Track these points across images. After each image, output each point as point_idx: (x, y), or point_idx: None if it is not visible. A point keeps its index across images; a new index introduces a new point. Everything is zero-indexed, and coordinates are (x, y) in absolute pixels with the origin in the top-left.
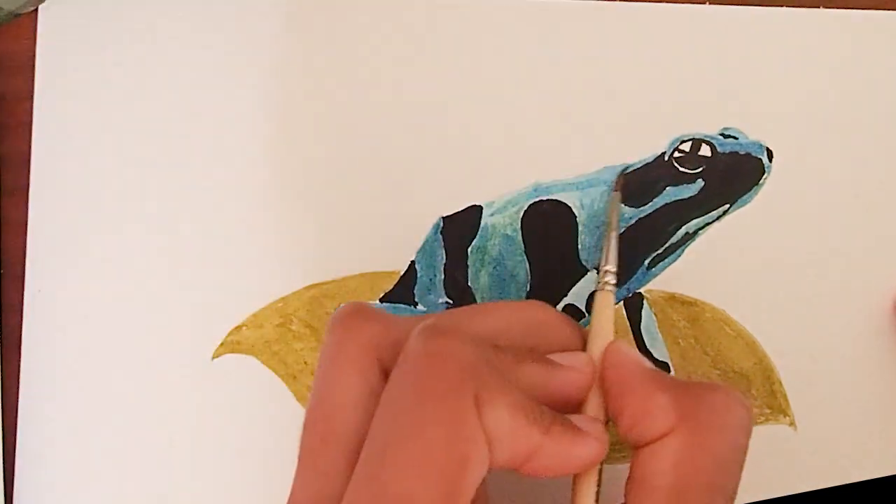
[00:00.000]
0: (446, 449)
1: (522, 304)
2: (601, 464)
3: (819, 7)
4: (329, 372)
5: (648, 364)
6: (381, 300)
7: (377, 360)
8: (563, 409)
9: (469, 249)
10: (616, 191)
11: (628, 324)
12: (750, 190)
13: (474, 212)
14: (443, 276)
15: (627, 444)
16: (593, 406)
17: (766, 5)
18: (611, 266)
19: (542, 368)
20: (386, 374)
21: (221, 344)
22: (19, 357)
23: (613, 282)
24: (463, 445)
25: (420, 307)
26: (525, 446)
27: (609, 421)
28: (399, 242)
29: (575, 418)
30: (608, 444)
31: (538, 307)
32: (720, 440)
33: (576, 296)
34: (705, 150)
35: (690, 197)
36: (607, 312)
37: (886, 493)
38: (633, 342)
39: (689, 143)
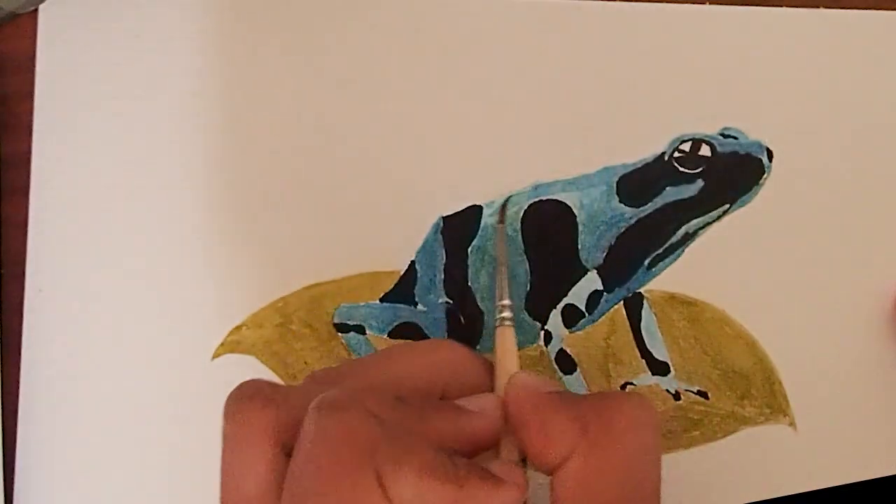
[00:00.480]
0: None
1: (431, 346)
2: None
3: (819, 7)
4: (233, 464)
5: (549, 388)
6: (381, 300)
7: (280, 444)
8: (479, 453)
9: (469, 249)
10: (501, 223)
11: (628, 324)
12: (750, 190)
13: (474, 212)
14: (443, 276)
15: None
16: (508, 447)
17: (766, 5)
18: (506, 300)
19: (449, 417)
20: (290, 455)
21: (221, 344)
22: (19, 357)
23: (510, 316)
24: None
25: (420, 307)
26: None
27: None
28: (399, 242)
29: (493, 465)
30: (527, 486)
31: (447, 348)
32: (622, 446)
33: (576, 296)
34: (705, 150)
35: (690, 197)
36: (509, 347)
37: (886, 494)
38: (634, 342)
39: (689, 142)
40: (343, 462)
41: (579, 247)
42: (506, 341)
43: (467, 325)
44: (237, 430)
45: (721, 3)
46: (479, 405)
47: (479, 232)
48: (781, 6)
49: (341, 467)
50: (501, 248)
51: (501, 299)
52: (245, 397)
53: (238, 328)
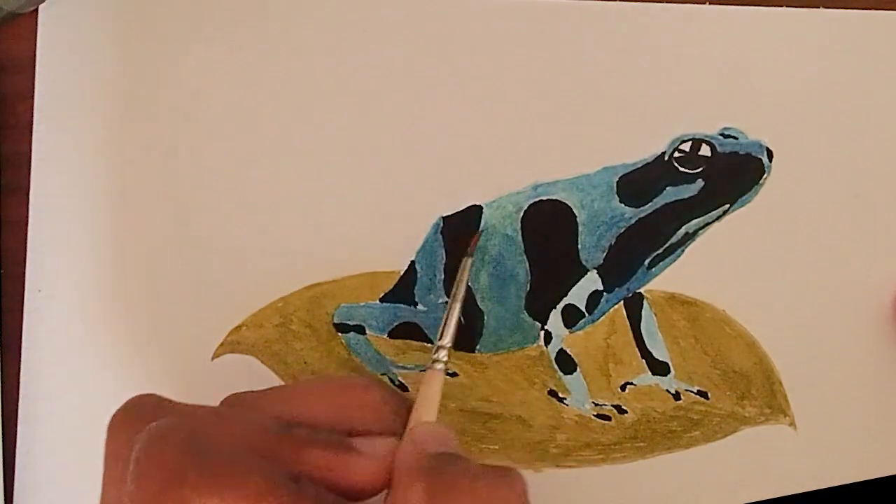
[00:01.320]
0: None
1: (345, 384)
2: None
3: (818, 7)
4: (105, 480)
5: (440, 448)
6: (381, 300)
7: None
8: (361, 498)
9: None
10: (470, 256)
11: (629, 324)
12: (750, 190)
13: (474, 212)
14: (443, 276)
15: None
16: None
17: (766, 5)
18: (446, 341)
19: (330, 455)
20: None
21: (221, 344)
22: (19, 357)
23: (444, 359)
24: None
25: (420, 307)
26: None
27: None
28: (399, 242)
29: None
30: None
31: (361, 388)
32: None
33: (576, 296)
34: (705, 150)
35: (690, 197)
36: (431, 395)
37: (886, 494)
38: (634, 342)
39: (689, 142)
40: (152, 485)
41: (579, 247)
42: (430, 387)
43: (467, 324)
44: (110, 446)
45: (721, 3)
46: (369, 448)
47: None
48: (781, 6)
49: (151, 490)
50: (462, 282)
51: (441, 338)
52: (122, 415)
53: (238, 328)
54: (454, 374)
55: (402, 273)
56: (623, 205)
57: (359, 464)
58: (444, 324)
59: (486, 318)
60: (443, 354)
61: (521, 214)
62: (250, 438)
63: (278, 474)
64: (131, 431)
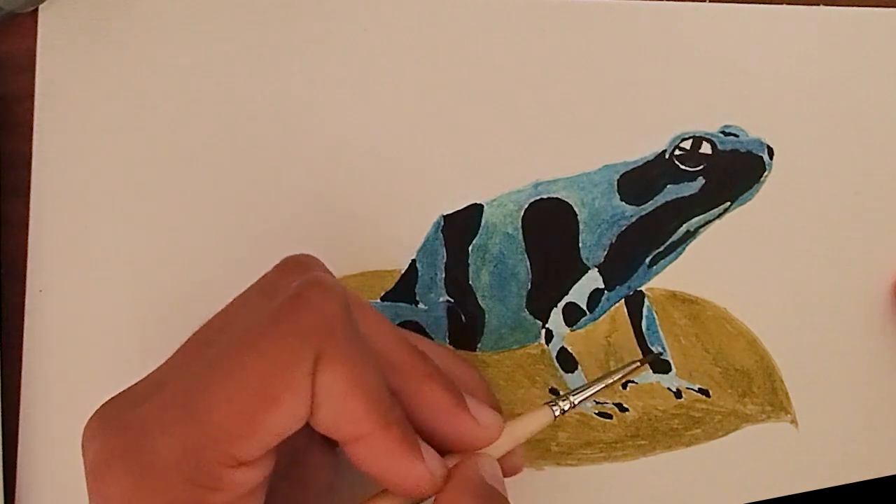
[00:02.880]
0: (259, 386)
1: (459, 356)
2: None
3: (819, 4)
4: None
5: (493, 482)
6: (382, 299)
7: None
8: (438, 449)
9: (470, 248)
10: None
11: (630, 322)
12: (751, 187)
13: (475, 210)
14: (444, 275)
15: None
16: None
17: (766, 3)
18: (579, 399)
19: (448, 399)
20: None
21: None
22: (20, 357)
23: (566, 409)
24: (276, 389)
25: (421, 305)
26: (352, 427)
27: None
28: (400, 241)
29: (427, 448)
30: (433, 488)
31: (471, 365)
32: None
33: (577, 294)
34: (706, 148)
35: (691, 195)
36: (529, 427)
37: (886, 493)
38: (635, 340)
39: (690, 140)
40: (296, 326)
41: (580, 245)
42: (532, 422)
43: (468, 323)
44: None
45: (721, 1)
46: (481, 414)
47: (480, 230)
48: (782, 3)
49: (293, 328)
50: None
51: (578, 394)
52: (300, 258)
53: None
54: None
55: (403, 272)
56: (624, 203)
57: (466, 423)
58: (583, 388)
59: (487, 316)
60: (566, 406)
61: (522, 213)
62: (389, 342)
63: (383, 384)
64: (291, 273)
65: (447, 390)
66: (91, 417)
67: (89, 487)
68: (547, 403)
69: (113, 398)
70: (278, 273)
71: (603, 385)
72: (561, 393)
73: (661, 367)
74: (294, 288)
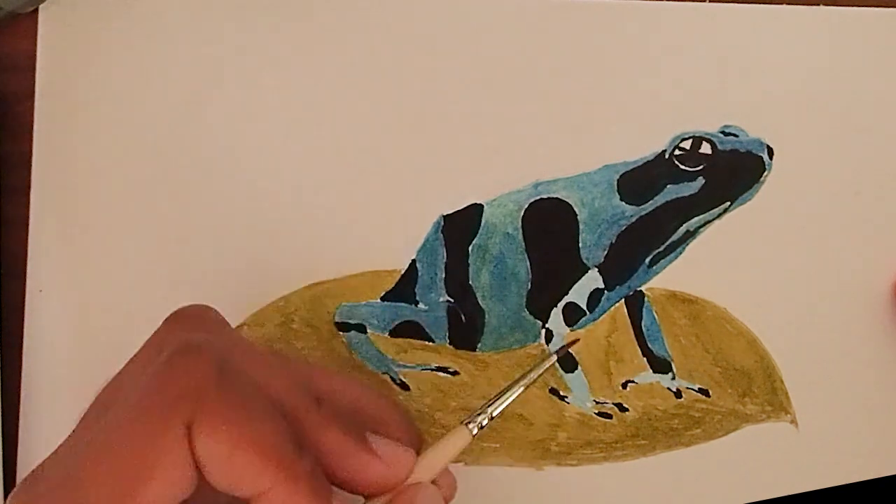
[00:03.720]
0: (132, 460)
1: (370, 388)
2: None
3: (819, 4)
4: (131, 359)
5: None
6: (383, 298)
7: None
8: (352, 492)
9: (470, 248)
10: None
11: (630, 322)
12: (751, 187)
13: (475, 210)
14: (444, 275)
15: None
16: None
17: (766, 3)
18: (494, 412)
19: (350, 443)
20: None
21: None
22: (20, 357)
23: (483, 425)
24: (149, 461)
25: (421, 305)
26: (250, 483)
27: None
28: (400, 241)
29: (341, 497)
30: None
31: (386, 398)
32: None
33: (577, 294)
34: (706, 148)
35: (691, 195)
36: (451, 449)
37: (886, 493)
38: (635, 340)
39: (690, 140)
40: (164, 396)
41: (580, 245)
42: (453, 444)
43: (468, 323)
44: (156, 334)
45: (721, 1)
46: (388, 453)
47: (480, 230)
48: (782, 3)
49: (161, 400)
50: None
51: (491, 407)
52: (181, 314)
53: (240, 327)
54: (455, 373)
55: (403, 272)
56: (624, 203)
57: (371, 464)
58: (498, 397)
59: (487, 316)
60: (483, 420)
61: (522, 213)
62: (281, 392)
63: (288, 435)
64: (178, 330)
65: (345, 433)
66: (12, 494)
67: None
68: (463, 422)
69: (29, 474)
70: (167, 328)
71: (518, 391)
72: (479, 408)
73: (661, 366)
74: (165, 355)
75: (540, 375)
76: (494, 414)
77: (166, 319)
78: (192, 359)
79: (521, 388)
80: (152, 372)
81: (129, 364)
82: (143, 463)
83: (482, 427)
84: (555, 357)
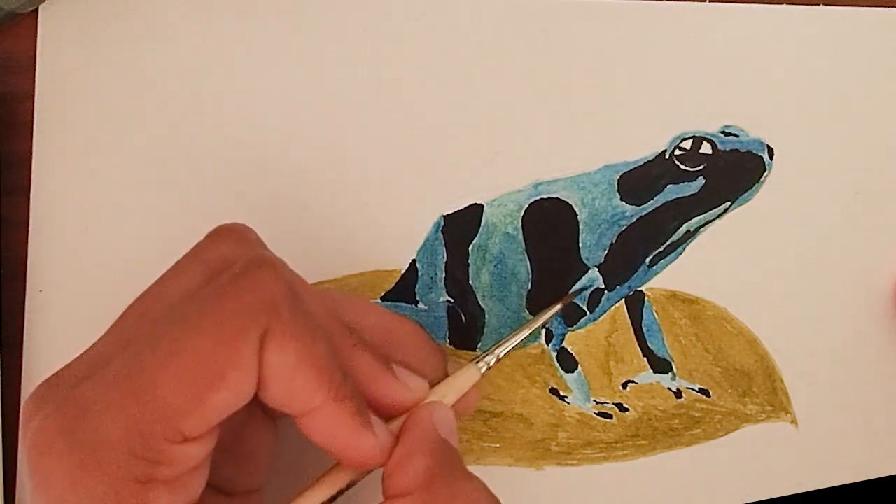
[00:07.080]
0: (205, 365)
1: (400, 317)
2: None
3: (819, 4)
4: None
5: (446, 435)
6: (383, 299)
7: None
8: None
9: (470, 248)
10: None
11: (630, 322)
12: (751, 187)
13: (475, 210)
14: (444, 275)
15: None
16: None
17: (767, 3)
18: (501, 352)
19: (378, 367)
20: None
21: None
22: (20, 357)
23: (491, 364)
24: (222, 367)
25: (421, 305)
26: (304, 400)
27: None
28: (400, 241)
29: (376, 420)
30: (384, 457)
31: (412, 324)
32: None
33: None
34: (706, 148)
35: (691, 195)
36: (461, 383)
37: (886, 493)
38: (635, 340)
39: (690, 140)
40: (240, 305)
41: (580, 245)
42: (464, 379)
43: (469, 323)
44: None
45: (721, 1)
46: (407, 380)
47: (480, 230)
48: (782, 3)
49: (237, 308)
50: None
51: (501, 347)
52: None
53: None
54: None
55: (403, 272)
56: (624, 203)
57: (394, 387)
58: (505, 341)
59: (487, 316)
60: (491, 360)
61: (522, 213)
62: (322, 317)
63: (335, 357)
64: (231, 243)
65: (375, 359)
66: (29, 397)
67: (30, 466)
68: (473, 360)
69: (51, 377)
70: (214, 242)
71: (526, 332)
72: (487, 350)
73: (661, 366)
74: (239, 266)
75: (546, 321)
76: (501, 355)
77: (209, 234)
78: (266, 273)
79: (527, 332)
80: (227, 280)
81: (170, 276)
82: (215, 368)
83: (489, 366)
84: (559, 305)
